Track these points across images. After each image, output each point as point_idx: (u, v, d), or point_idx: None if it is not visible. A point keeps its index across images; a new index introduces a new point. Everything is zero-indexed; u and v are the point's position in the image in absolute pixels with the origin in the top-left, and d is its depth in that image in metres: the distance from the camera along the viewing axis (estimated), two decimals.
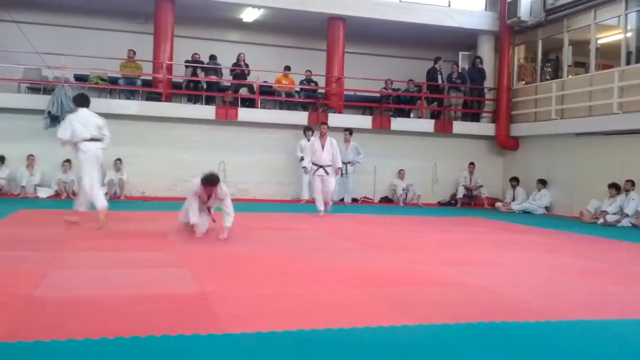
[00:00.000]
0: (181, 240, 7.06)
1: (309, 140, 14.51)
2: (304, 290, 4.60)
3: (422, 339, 3.45)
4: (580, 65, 15.26)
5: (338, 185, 14.56)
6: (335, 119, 14.92)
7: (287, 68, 15.29)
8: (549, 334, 3.68)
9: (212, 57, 14.87)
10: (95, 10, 15.06)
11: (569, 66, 14.65)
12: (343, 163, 14.44)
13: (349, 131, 14.64)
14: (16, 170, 12.97)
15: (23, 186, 12.80)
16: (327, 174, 10.97)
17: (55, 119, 13.00)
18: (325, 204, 11.12)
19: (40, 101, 13.22)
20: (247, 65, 15.02)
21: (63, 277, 4.74)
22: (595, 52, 13.75)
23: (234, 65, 15.02)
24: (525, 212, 14.21)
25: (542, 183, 14.43)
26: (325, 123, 11.56)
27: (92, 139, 8.01)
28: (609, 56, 14.58)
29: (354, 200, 14.99)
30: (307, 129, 14.51)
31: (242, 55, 15.02)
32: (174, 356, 2.97)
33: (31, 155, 13.03)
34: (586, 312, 4.22)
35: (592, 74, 13.65)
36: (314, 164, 11.03)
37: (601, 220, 11.80)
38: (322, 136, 11.08)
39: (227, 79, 15.18)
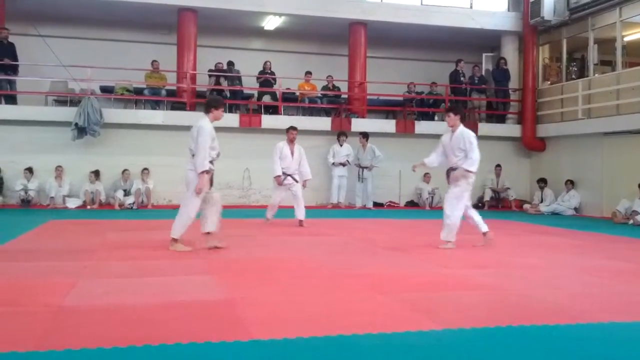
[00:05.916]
0: (207, 247, 7.08)
1: (341, 146, 14.53)
2: (331, 296, 4.59)
3: (450, 343, 3.41)
4: (607, 63, 15.05)
5: (360, 192, 14.58)
6: (359, 124, 14.91)
7: (308, 73, 15.32)
8: (580, 336, 3.61)
9: (230, 64, 14.95)
10: (119, 22, 15.28)
11: (595, 65, 14.45)
12: (360, 167, 14.47)
13: (364, 135, 14.57)
14: (45, 181, 13.16)
15: (52, 197, 13.01)
16: (297, 181, 9.93)
17: (82, 131, 13.23)
18: (300, 221, 9.84)
19: (67, 113, 13.46)
20: (272, 73, 15.09)
21: (92, 286, 4.79)
22: (622, 50, 13.55)
23: (260, 73, 15.10)
24: (554, 214, 14.01)
25: (571, 184, 14.22)
26: (295, 128, 10.24)
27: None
28: (636, 53, 14.36)
29: (379, 204, 14.92)
30: (341, 134, 14.49)
31: (268, 63, 15.09)
32: None
33: (60, 166, 13.22)
34: (618, 314, 4.12)
35: (619, 72, 13.45)
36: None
37: (632, 221, 11.58)
38: (291, 142, 10.02)
39: (248, 86, 15.26)
